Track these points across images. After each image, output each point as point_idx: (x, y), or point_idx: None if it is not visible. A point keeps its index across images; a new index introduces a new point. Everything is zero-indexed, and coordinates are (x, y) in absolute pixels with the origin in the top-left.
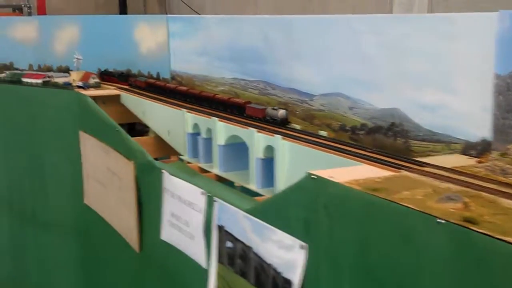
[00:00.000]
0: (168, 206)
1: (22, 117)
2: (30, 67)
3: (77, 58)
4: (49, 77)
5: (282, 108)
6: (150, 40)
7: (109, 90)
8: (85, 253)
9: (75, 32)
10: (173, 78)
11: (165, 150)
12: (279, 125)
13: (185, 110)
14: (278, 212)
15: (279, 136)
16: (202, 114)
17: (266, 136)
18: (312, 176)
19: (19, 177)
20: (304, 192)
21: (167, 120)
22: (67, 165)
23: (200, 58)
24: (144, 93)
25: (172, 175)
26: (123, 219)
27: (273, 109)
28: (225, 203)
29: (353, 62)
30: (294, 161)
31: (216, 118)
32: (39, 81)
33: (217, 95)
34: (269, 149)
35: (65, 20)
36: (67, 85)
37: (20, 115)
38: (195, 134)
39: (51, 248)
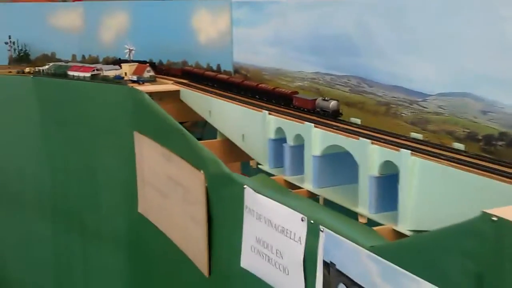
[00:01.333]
0: (252, 229)
1: (68, 115)
2: (74, 57)
3: (129, 49)
4: (98, 70)
5: (334, 99)
6: (210, 28)
7: (167, 85)
8: (138, 268)
9: (124, 19)
10: (236, 71)
11: (236, 156)
12: (331, 117)
13: (266, 111)
14: (428, 258)
15: (407, 151)
16: (289, 117)
17: (385, 149)
18: (493, 218)
19: (64, 179)
20: (477, 238)
21: (242, 122)
22: (119, 168)
23: (271, 48)
24: (210, 89)
25: (259, 192)
26: (189, 236)
27: (324, 99)
28: (337, 235)
29: (490, 55)
30: (428, 183)
31: (312, 124)
32: (87, 74)
33: (261, 85)
34: (388, 165)
35: (114, 6)
36: (119, 79)
37: (66, 112)
38: (279, 140)
39: (99, 259)
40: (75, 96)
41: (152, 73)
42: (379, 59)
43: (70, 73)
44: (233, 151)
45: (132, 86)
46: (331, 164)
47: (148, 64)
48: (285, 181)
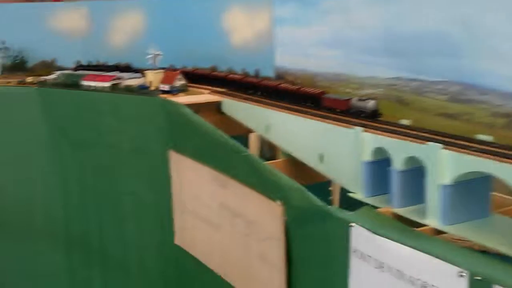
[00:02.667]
0: (367, 280)
1: (84, 132)
2: (77, 64)
3: (154, 54)
4: (118, 79)
5: (372, 98)
6: (246, 28)
7: (206, 96)
8: None
9: (138, 20)
10: (279, 76)
11: (304, 180)
12: (369, 118)
13: (359, 128)
14: None
15: None
16: (391, 135)
17: None
18: None
19: (80, 205)
20: None
21: (320, 140)
22: (149, 193)
23: (330, 51)
24: (263, 99)
25: (377, 234)
26: (255, 277)
27: (360, 99)
28: None
29: None
30: None
31: (439, 145)
32: (107, 84)
33: (282, 84)
34: None
35: (124, 5)
36: (143, 89)
37: (82, 129)
38: (378, 163)
39: None
40: (92, 110)
41: (183, 82)
42: (494, 59)
43: (85, 83)
44: (300, 174)
45: (165, 98)
46: (462, 194)
47: (179, 71)
48: (394, 214)
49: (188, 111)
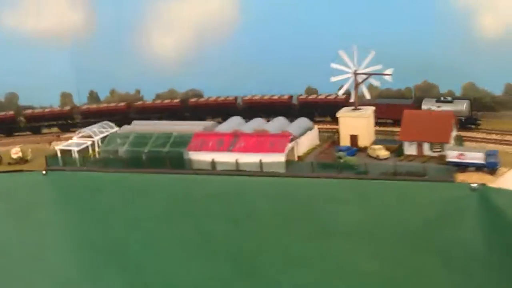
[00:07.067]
0: None
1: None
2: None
3: (382, 74)
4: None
5: None
6: None
7: None
8: None
9: None
10: None
11: None
12: None
13: None
14: None
15: None
16: None
17: None
18: None
19: None
20: None
21: None
22: None
23: None
24: None
25: None
26: None
27: None
28: None
29: None
30: None
31: None
32: (280, 158)
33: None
34: None
35: None
36: (352, 154)
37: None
38: None
39: None
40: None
41: (455, 132)
42: None
43: (195, 156)
44: None
45: (481, 184)
46: None
47: (453, 114)
48: None
49: None
